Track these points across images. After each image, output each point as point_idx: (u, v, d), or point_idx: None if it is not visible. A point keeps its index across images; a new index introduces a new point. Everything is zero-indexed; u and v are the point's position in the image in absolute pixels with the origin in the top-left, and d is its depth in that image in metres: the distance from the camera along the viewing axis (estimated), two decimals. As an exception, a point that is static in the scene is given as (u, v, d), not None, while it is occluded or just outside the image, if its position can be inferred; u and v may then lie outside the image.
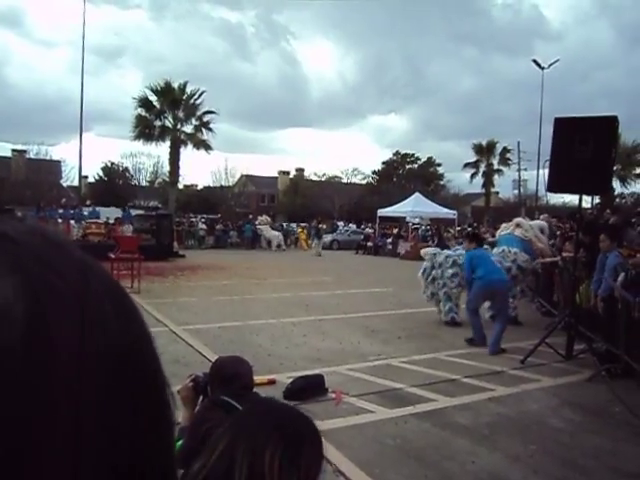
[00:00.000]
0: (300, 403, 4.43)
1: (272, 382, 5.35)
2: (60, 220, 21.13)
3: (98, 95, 76.08)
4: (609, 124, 6.56)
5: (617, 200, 28.17)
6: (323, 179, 49.13)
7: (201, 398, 2.36)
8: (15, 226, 0.30)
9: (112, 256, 11.08)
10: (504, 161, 41.87)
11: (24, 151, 37.13)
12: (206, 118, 29.18)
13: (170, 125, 28.75)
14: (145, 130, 28.27)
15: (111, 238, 16.38)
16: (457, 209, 31.52)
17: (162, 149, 32.39)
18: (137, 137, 28.47)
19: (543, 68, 33.38)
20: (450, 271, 8.92)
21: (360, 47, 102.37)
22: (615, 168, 17.19)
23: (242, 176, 45.15)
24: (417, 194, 28.80)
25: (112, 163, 44.61)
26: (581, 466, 3.87)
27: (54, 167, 36.30)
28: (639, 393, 5.38)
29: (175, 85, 28.76)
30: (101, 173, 44.28)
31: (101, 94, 74.98)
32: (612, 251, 6.73)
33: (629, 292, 6.11)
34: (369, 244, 28.12)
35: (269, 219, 28.65)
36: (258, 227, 27.70)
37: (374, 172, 51.86)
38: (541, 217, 12.44)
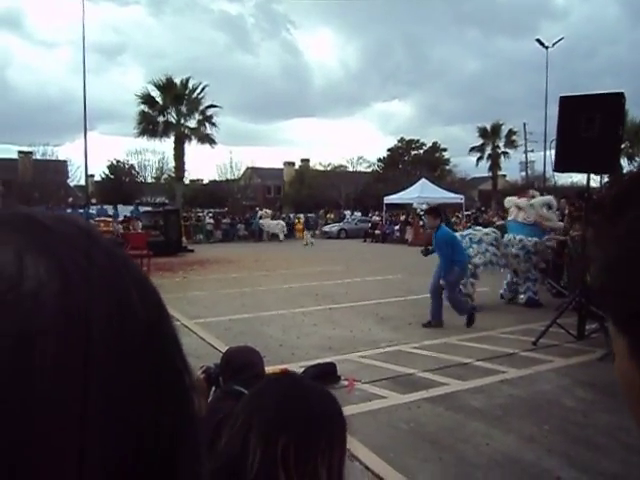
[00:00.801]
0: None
1: (284, 372, 5.38)
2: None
3: (101, 93, 76.41)
4: (615, 101, 6.47)
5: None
6: (328, 169, 48.92)
7: (213, 389, 2.39)
8: (44, 213, 0.31)
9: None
10: (510, 143, 41.51)
11: (30, 152, 37.31)
12: (209, 112, 29.21)
13: (173, 120, 28.76)
14: (149, 126, 28.32)
15: (119, 236, 16.48)
16: (464, 193, 31.33)
17: (166, 145, 32.43)
18: (141, 134, 28.54)
19: (547, 47, 32.99)
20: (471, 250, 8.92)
21: (361, 34, 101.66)
22: (623, 146, 16.99)
23: (247, 169, 45.11)
24: (423, 180, 28.66)
25: (118, 161, 44.77)
26: (595, 444, 3.88)
27: (60, 167, 36.47)
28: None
29: (177, 80, 28.77)
30: (107, 171, 44.46)
31: (104, 92, 75.17)
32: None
33: None
34: (377, 232, 28.10)
35: (269, 212, 28.70)
36: (260, 222, 27.84)
37: (379, 160, 51.62)
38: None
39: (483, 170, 43.30)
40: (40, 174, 33.18)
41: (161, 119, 28.67)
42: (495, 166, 42.28)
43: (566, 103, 6.70)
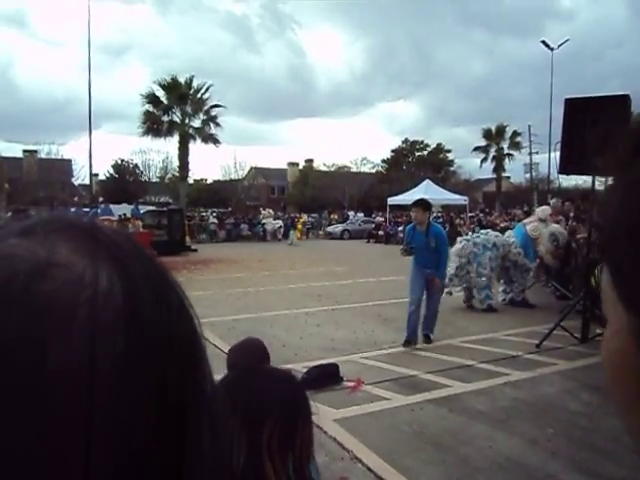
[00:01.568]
0: (316, 392, 4.46)
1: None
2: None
3: (106, 93, 76.46)
4: (621, 103, 6.43)
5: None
6: (332, 169, 48.95)
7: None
8: (103, 224, 0.37)
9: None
10: (514, 145, 41.39)
11: (35, 151, 37.47)
12: (214, 112, 29.15)
13: (178, 120, 28.76)
14: (153, 126, 28.31)
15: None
16: (468, 195, 31.27)
17: (171, 144, 32.51)
18: (145, 133, 28.53)
19: (552, 49, 32.90)
20: (489, 254, 8.92)
21: (367, 34, 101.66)
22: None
23: (251, 169, 45.19)
24: (427, 181, 28.63)
25: (122, 160, 44.91)
26: (600, 448, 3.85)
27: (65, 166, 36.59)
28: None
29: (182, 80, 28.73)
30: (111, 170, 44.62)
31: (109, 91, 75.40)
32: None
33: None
34: (380, 233, 28.07)
35: (272, 212, 28.76)
36: (263, 221, 27.92)
37: (383, 160, 51.58)
38: (552, 202, 12.29)
39: (487, 172, 43.23)
40: (45, 173, 33.29)
41: (166, 119, 28.67)
42: (499, 168, 42.16)
43: (571, 105, 6.68)
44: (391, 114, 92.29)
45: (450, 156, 50.96)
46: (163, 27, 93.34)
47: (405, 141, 52.24)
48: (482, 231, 10.70)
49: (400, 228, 27.58)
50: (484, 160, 42.34)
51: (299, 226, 30.64)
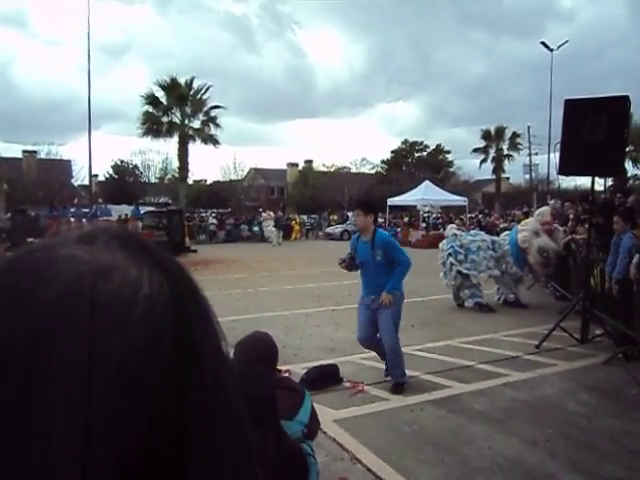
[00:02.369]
0: (316, 393, 4.46)
1: (287, 373, 5.38)
2: (72, 219, 21.33)
3: (105, 93, 76.45)
4: (621, 104, 6.45)
5: (630, 182, 27.75)
6: (332, 170, 48.93)
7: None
8: (143, 237, 0.43)
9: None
10: (514, 146, 41.41)
11: (34, 152, 37.44)
12: (213, 113, 29.17)
13: (177, 121, 28.76)
14: (153, 126, 28.31)
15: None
16: (468, 196, 31.26)
17: (170, 145, 32.43)
18: (145, 134, 28.52)
19: (552, 50, 32.90)
20: (482, 254, 8.92)
21: (366, 34, 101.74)
22: (627, 149, 16.94)
23: (251, 169, 45.14)
24: (427, 182, 28.61)
25: (122, 161, 44.86)
26: (599, 449, 3.86)
27: (65, 167, 36.56)
28: (656, 375, 5.33)
29: (182, 81, 28.74)
30: (111, 171, 44.57)
31: (108, 92, 75.24)
32: (626, 233, 6.65)
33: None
34: (380, 233, 27.99)
35: (272, 214, 28.66)
36: (264, 223, 27.81)
37: (383, 161, 51.57)
38: (551, 203, 12.30)
39: (487, 173, 43.24)
40: (44, 173, 33.28)
41: (165, 119, 28.67)
42: (499, 169, 42.16)
43: (571, 106, 6.68)
44: (391, 115, 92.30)
45: (449, 157, 51.04)
46: (163, 27, 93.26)
47: (405, 142, 52.25)
48: (472, 232, 10.73)
49: (399, 229, 27.59)
50: (483, 161, 42.39)
51: (296, 227, 30.56)
